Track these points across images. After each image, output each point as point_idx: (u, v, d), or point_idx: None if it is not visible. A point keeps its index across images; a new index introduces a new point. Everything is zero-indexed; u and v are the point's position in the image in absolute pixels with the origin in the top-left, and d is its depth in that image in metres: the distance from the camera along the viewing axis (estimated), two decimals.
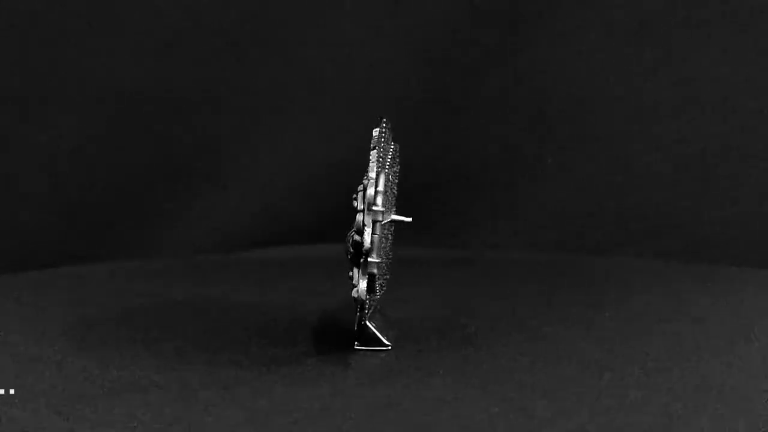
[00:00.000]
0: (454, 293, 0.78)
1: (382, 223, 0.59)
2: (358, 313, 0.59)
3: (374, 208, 0.58)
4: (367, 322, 0.61)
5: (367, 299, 0.60)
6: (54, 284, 0.80)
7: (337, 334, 0.63)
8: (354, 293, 0.58)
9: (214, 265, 0.89)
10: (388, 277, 0.66)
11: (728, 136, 0.97)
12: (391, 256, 0.66)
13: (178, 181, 0.96)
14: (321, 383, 0.55)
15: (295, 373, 0.57)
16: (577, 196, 0.98)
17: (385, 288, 0.65)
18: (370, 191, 0.58)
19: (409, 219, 0.63)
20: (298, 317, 0.69)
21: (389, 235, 0.65)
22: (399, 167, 0.67)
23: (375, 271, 0.58)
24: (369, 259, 0.58)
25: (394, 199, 0.65)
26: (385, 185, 0.60)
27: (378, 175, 0.59)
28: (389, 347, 0.61)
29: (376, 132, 0.62)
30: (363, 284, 0.58)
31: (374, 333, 0.61)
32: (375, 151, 0.60)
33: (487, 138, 0.97)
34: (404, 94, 0.98)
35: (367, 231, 0.58)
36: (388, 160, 0.63)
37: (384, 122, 0.63)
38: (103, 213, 0.95)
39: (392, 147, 0.66)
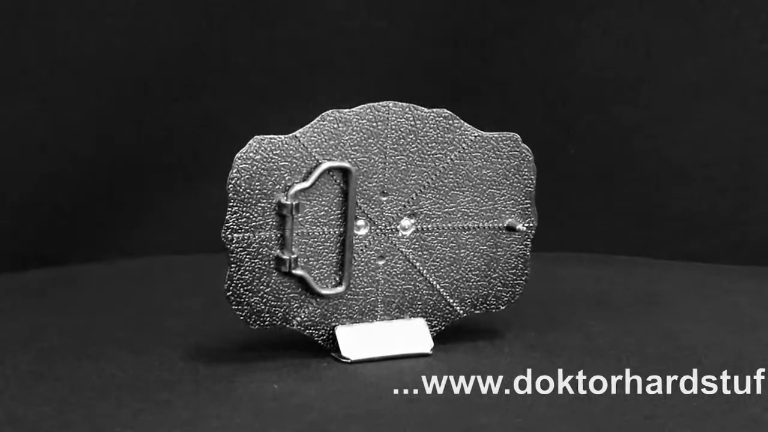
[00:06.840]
0: None
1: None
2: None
3: (282, 200, 0.62)
4: (336, 329, 0.64)
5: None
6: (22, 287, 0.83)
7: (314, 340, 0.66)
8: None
9: (190, 267, 0.89)
10: (519, 290, 0.68)
11: None
12: (515, 266, 0.68)
13: (151, 176, 0.95)
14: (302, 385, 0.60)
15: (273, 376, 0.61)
16: (601, 190, 0.98)
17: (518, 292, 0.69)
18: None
19: (524, 228, 0.67)
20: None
21: (515, 243, 0.68)
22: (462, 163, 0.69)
23: (300, 272, 0.62)
24: (278, 254, 0.62)
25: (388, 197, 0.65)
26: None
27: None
28: (348, 360, 0.64)
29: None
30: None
31: (336, 342, 0.64)
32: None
33: (502, 124, 0.92)
34: (409, 74, 0.97)
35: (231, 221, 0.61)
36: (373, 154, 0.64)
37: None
38: (72, 211, 0.94)
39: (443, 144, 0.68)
